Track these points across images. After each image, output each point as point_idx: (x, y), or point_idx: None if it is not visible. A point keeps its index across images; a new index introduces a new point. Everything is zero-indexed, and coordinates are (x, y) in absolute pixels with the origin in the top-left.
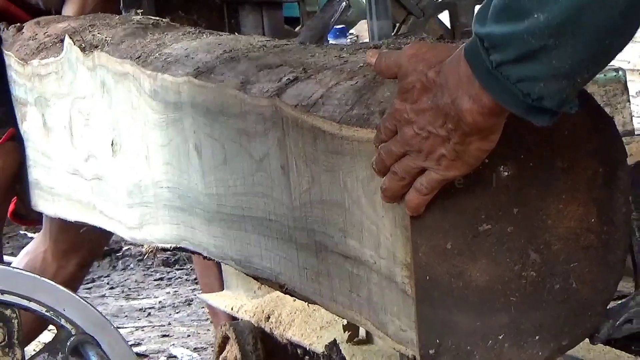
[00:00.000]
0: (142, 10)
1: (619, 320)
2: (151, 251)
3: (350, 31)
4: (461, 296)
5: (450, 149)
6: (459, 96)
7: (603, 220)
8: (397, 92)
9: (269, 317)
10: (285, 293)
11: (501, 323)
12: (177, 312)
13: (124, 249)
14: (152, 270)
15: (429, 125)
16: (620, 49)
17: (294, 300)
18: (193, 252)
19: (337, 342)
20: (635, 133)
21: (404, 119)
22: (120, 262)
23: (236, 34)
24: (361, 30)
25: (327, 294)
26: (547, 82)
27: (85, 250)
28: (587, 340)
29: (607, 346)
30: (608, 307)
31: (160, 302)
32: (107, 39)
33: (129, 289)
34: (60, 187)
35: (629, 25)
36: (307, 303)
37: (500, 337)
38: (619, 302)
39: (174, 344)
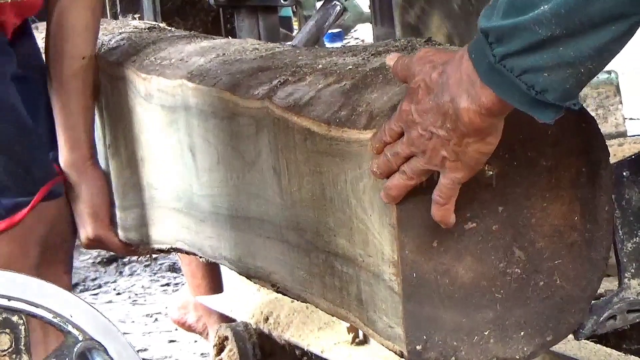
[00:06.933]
0: (138, 15)
1: (603, 316)
2: (147, 252)
3: (356, 36)
4: (447, 293)
5: (450, 151)
6: (458, 94)
7: (586, 218)
8: (405, 94)
9: (267, 319)
10: (278, 292)
11: (486, 319)
12: None
13: None
14: (159, 275)
15: (431, 125)
16: (627, 39)
17: (292, 301)
18: (188, 253)
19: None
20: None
21: (409, 120)
22: (126, 267)
23: (229, 37)
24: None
25: (317, 291)
26: (551, 71)
27: None
28: (586, 340)
29: (598, 344)
30: (592, 304)
31: (167, 307)
32: (104, 42)
33: (136, 294)
34: None
35: (636, 12)
36: (305, 304)
37: (486, 333)
38: (603, 298)
39: (181, 350)
